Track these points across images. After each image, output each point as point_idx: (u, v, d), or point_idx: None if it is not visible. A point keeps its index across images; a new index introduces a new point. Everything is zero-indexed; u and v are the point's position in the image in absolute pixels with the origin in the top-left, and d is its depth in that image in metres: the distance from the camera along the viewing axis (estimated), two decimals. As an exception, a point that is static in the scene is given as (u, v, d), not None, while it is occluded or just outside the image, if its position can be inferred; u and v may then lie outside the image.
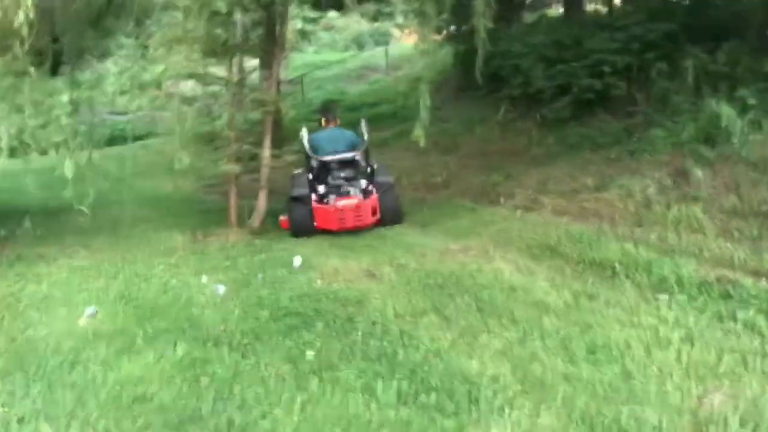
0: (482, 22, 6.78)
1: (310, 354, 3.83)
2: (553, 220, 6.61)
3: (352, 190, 7.29)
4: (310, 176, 7.42)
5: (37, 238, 7.19)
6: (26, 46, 5.46)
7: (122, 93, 19.18)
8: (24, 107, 5.55)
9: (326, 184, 7.36)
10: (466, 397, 3.18)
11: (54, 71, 9.10)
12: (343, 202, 7.15)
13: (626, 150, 7.73)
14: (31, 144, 6.14)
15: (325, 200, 7.23)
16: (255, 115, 7.99)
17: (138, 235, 7.41)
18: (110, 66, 20.07)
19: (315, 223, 7.17)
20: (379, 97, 14.91)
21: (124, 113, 18.12)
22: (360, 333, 4.13)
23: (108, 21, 9.86)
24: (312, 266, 5.94)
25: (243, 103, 7.59)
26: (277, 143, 8.30)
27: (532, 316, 4.17)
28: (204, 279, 5.65)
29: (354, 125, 13.77)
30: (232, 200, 7.67)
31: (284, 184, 10.26)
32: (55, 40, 8.07)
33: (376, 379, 3.43)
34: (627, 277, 4.76)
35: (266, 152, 7.68)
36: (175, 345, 4.02)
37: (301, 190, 7.31)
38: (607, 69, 9.05)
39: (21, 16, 5.01)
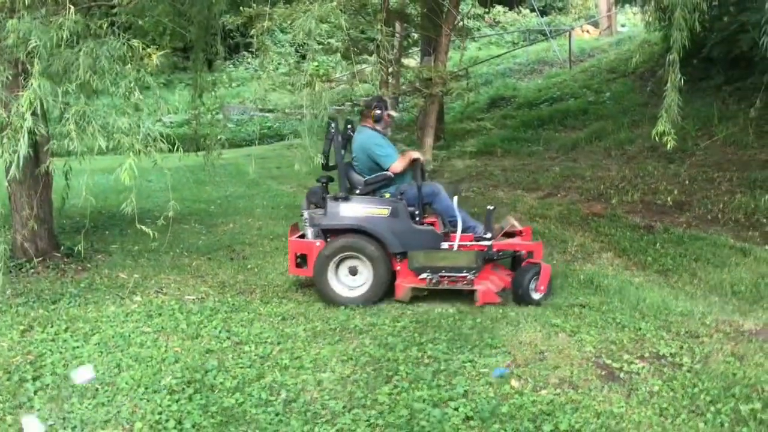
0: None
1: None
2: None
3: None
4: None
5: (131, 255, 5.46)
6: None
7: (274, 90, 18.10)
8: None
9: None
10: None
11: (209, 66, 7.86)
12: None
13: None
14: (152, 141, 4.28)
15: None
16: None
17: (256, 258, 5.46)
18: (266, 63, 19.18)
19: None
20: (562, 91, 12.21)
21: (274, 110, 16.81)
22: None
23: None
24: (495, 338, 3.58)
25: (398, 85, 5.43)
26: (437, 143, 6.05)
27: None
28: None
29: (532, 124, 11.08)
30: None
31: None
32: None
33: None
34: None
35: (428, 154, 5.42)
36: None
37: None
38: None
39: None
